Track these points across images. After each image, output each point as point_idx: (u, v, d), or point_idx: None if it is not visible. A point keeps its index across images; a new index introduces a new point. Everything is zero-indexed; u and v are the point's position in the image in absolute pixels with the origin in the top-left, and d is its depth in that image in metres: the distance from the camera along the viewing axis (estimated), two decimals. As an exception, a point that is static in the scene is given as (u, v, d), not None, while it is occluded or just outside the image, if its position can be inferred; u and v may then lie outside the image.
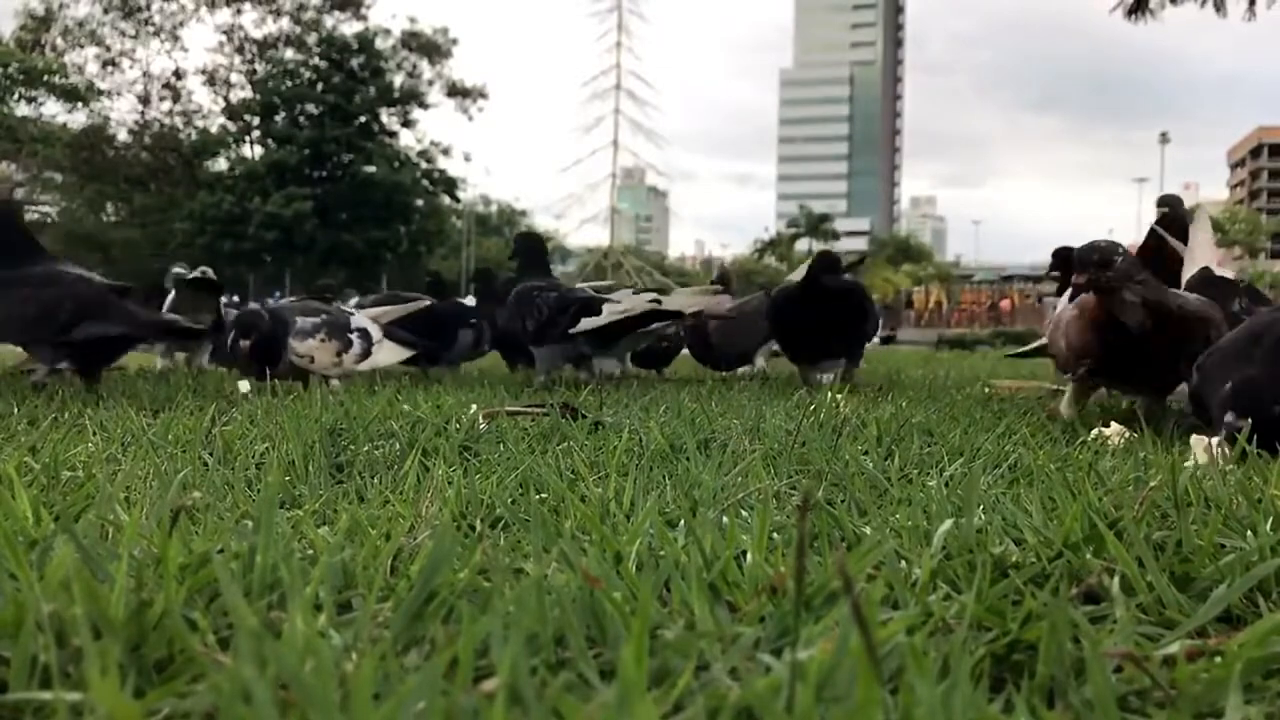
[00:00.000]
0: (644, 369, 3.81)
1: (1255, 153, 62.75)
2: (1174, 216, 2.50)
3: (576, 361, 3.05)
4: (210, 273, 3.65)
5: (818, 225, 46.71)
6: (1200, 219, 2.28)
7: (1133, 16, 7.78)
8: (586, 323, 2.83)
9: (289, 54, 30.84)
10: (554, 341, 2.93)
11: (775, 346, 3.69)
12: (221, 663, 0.53)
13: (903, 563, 0.73)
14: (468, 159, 44.80)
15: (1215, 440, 1.32)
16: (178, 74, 29.96)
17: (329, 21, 30.94)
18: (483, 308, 3.78)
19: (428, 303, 3.45)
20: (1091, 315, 1.82)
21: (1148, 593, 0.69)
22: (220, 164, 30.35)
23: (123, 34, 28.91)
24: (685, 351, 3.93)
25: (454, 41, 31.97)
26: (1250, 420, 1.34)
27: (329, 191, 29.20)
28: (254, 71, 30.85)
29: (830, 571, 0.65)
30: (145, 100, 29.35)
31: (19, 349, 3.32)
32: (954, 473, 1.17)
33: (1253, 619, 0.66)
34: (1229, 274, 2.20)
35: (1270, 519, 0.85)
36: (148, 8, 29.05)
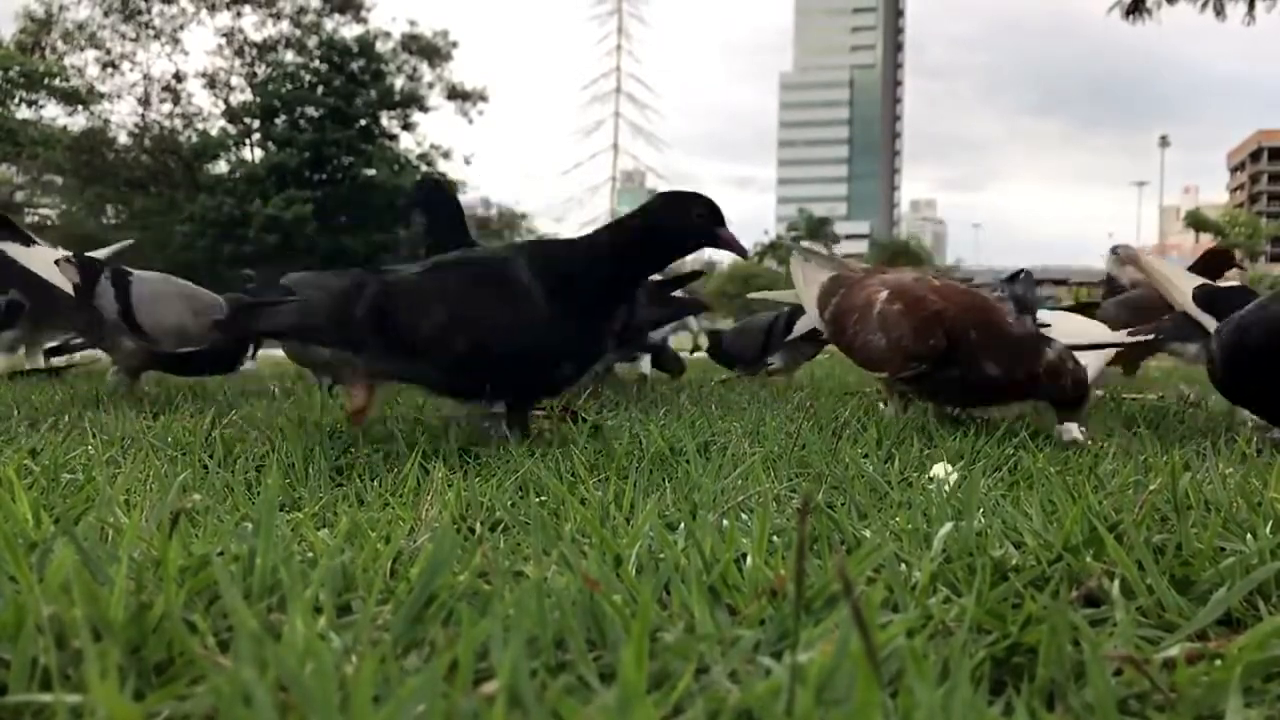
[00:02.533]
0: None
1: (1255, 156, 62.79)
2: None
3: None
4: None
5: (818, 228, 46.76)
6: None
7: (1130, 17, 7.81)
8: None
9: (289, 57, 30.88)
10: None
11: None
12: (221, 665, 0.53)
13: (902, 566, 0.73)
14: (468, 162, 44.76)
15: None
16: (178, 77, 30.00)
17: (329, 24, 31.00)
18: None
19: None
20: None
21: (1148, 596, 0.69)
22: (220, 167, 30.37)
23: (123, 37, 28.95)
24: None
25: (454, 44, 32.00)
26: None
27: (329, 194, 29.20)
28: (254, 74, 30.88)
29: (830, 574, 0.65)
30: (145, 103, 29.39)
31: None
32: (954, 476, 1.16)
33: (1253, 622, 0.66)
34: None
35: (1270, 522, 0.85)
36: (148, 11, 29.09)
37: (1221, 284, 2.00)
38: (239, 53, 31.01)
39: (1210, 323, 1.80)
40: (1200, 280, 1.98)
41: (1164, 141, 42.62)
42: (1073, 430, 1.58)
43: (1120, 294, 2.98)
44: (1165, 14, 7.74)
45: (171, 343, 2.26)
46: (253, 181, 28.80)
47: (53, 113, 25.89)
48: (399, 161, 30.58)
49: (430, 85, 31.87)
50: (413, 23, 32.87)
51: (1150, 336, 2.13)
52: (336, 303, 1.53)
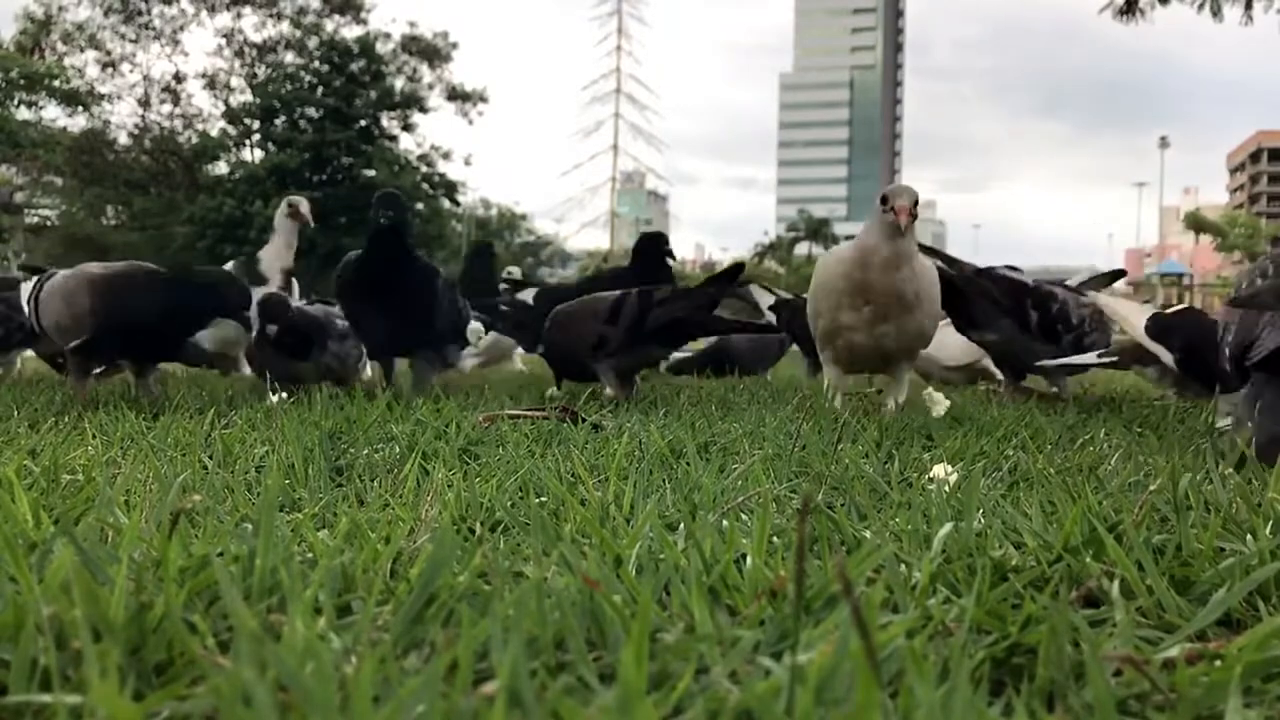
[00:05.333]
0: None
1: (1255, 157, 62.77)
2: None
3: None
4: None
5: (818, 229, 46.73)
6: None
7: (1123, 17, 7.82)
8: None
9: (289, 58, 30.88)
10: None
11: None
12: (221, 665, 0.53)
13: (902, 566, 0.73)
14: (468, 163, 44.80)
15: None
16: (178, 78, 30.00)
17: (329, 25, 31.00)
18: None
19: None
20: None
21: (1147, 596, 0.69)
22: (221, 167, 30.37)
23: (123, 38, 28.95)
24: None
25: (454, 45, 31.99)
26: None
27: (329, 195, 29.17)
28: (254, 75, 30.88)
29: (830, 575, 0.65)
30: (145, 104, 29.39)
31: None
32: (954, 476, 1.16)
33: (1252, 623, 0.66)
34: None
35: (1270, 523, 0.85)
36: (147, 12, 29.10)
37: (1169, 311, 2.06)
38: (239, 54, 31.02)
39: (1163, 352, 1.87)
40: (1151, 311, 2.04)
41: (1164, 142, 42.60)
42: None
43: None
44: (1161, 15, 7.75)
45: (63, 339, 2.19)
46: (253, 182, 28.78)
47: (53, 114, 25.93)
48: (399, 162, 30.58)
49: (430, 86, 31.87)
50: (413, 24, 32.90)
51: (1114, 359, 2.21)
52: None
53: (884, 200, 1.97)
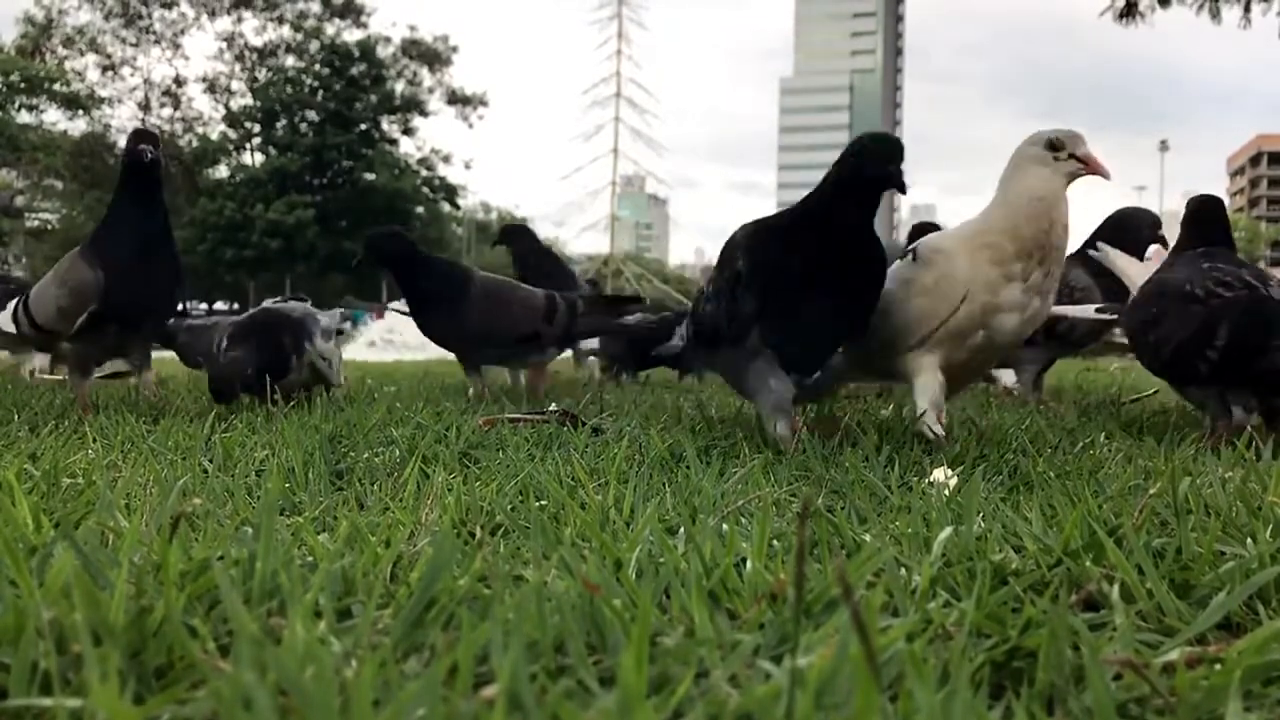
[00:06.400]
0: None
1: (1254, 160, 62.82)
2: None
3: None
4: None
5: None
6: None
7: (1124, 20, 7.85)
8: None
9: (290, 61, 30.95)
10: None
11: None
12: (222, 669, 0.53)
13: (902, 570, 0.73)
14: (468, 167, 44.79)
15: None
16: (178, 81, 30.10)
17: (330, 29, 31.07)
18: None
19: None
20: None
21: (1147, 600, 0.69)
22: (221, 171, 30.45)
23: (123, 42, 29.02)
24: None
25: (454, 49, 32.09)
26: None
27: (330, 198, 29.30)
28: (255, 79, 30.94)
29: (830, 579, 0.65)
30: (146, 107, 29.46)
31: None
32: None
33: (1252, 626, 0.66)
34: None
35: (1269, 526, 0.85)
36: (148, 15, 29.17)
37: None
38: (239, 57, 31.10)
39: None
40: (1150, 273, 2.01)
41: (1164, 146, 42.62)
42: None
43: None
44: (1161, 18, 7.77)
45: (67, 322, 2.11)
46: (254, 185, 28.84)
47: (53, 117, 26.00)
48: (399, 166, 30.63)
49: (430, 90, 31.94)
50: (413, 28, 33.07)
51: (1113, 316, 2.19)
52: None
53: (1054, 145, 1.55)
